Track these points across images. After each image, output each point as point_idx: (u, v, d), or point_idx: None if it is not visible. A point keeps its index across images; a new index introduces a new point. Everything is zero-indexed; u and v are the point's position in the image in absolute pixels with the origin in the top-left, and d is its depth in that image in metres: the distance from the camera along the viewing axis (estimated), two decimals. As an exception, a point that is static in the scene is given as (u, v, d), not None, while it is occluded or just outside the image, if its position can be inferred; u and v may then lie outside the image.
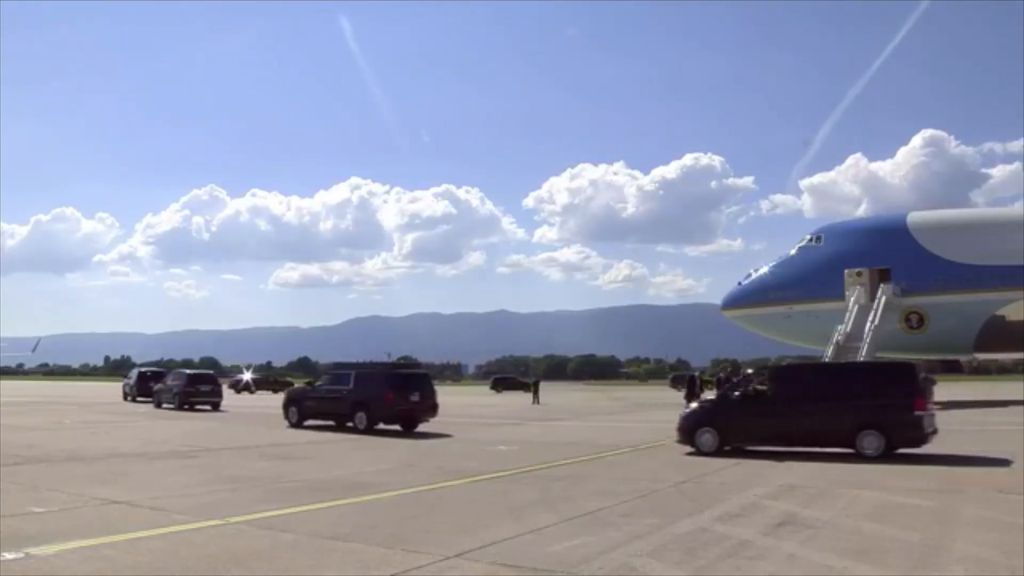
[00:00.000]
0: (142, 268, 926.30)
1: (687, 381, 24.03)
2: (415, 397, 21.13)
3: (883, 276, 35.42)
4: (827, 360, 32.10)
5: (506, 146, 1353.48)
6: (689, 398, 22.97)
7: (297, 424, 22.22)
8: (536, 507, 9.37)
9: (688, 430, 15.46)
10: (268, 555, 6.86)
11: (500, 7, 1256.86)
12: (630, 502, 9.72)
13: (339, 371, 23.08)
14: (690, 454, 14.97)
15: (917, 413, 13.79)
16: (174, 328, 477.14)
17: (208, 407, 31.20)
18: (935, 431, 14.27)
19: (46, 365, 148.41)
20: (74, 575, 6.21)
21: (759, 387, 15.60)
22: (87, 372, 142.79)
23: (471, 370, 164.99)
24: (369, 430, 20.29)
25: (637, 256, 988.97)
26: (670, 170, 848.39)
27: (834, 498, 10.08)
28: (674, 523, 8.28)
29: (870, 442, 13.84)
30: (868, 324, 32.95)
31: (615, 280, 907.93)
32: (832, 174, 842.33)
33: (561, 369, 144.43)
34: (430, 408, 21.45)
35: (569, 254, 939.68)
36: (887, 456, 13.67)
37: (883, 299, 34.18)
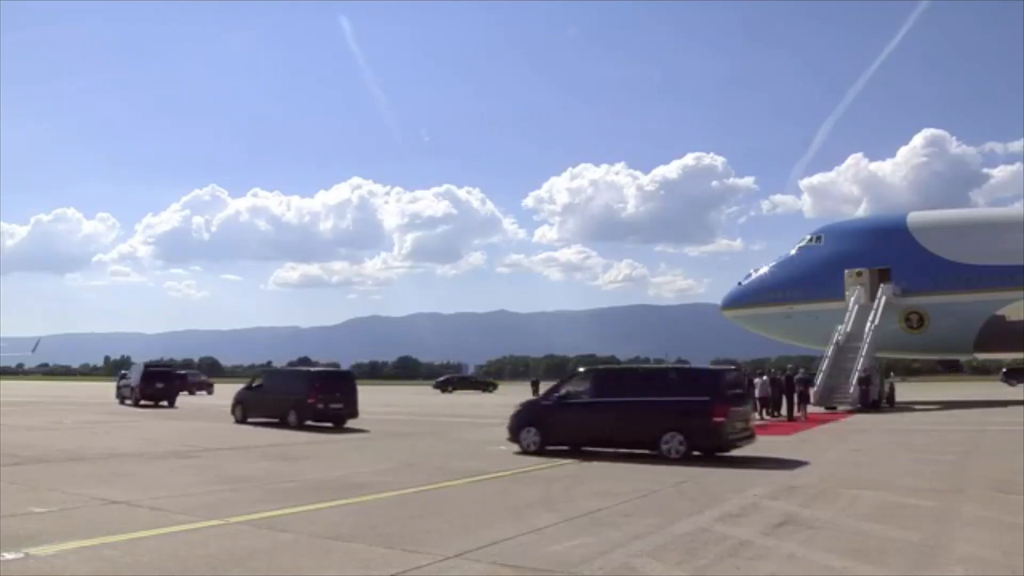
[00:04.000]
0: (142, 268, 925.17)
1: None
2: (160, 384, 34.77)
3: (883, 276, 35.46)
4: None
5: (506, 146, 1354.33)
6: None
7: (121, 401, 35.62)
8: (536, 507, 9.37)
9: (232, 409, 24.41)
10: (268, 555, 6.86)
11: (500, 7, 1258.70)
12: (630, 502, 9.73)
13: (129, 368, 39.56)
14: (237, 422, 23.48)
15: (314, 404, 21.87)
16: (174, 328, 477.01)
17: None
18: (337, 416, 22.20)
19: (46, 365, 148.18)
20: (74, 575, 6.22)
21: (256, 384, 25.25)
22: (87, 372, 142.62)
23: (471, 370, 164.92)
24: (136, 404, 33.61)
25: (637, 256, 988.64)
26: (670, 170, 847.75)
27: (834, 498, 10.09)
28: (674, 523, 8.28)
29: (291, 419, 22.03)
30: (868, 324, 32.98)
31: (615, 280, 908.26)
32: (832, 174, 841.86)
33: (561, 369, 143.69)
34: (173, 392, 35.05)
35: (569, 254, 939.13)
36: (300, 426, 21.51)
37: (883, 299, 34.21)
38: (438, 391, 64.18)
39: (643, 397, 14.63)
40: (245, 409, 23.88)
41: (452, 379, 71.73)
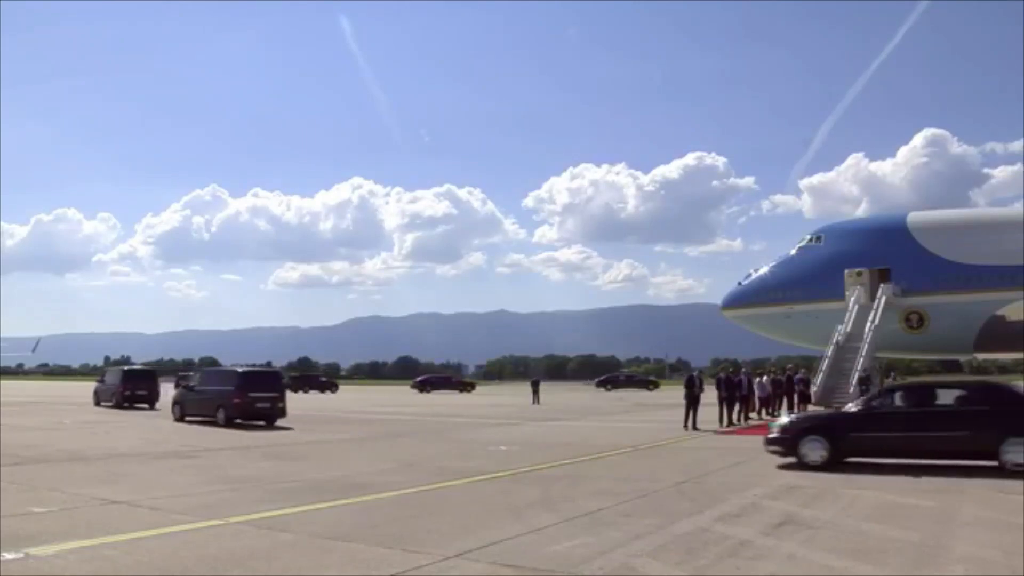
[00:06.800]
0: (142, 268, 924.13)
1: (686, 381, 23.94)
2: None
3: (883, 276, 35.42)
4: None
5: (506, 146, 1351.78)
6: (689, 399, 22.85)
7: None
8: (536, 507, 9.37)
9: (93, 396, 34.42)
10: (268, 555, 6.87)
11: (500, 7, 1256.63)
12: (630, 502, 9.73)
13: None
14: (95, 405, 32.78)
15: (122, 392, 32.03)
16: (174, 328, 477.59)
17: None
18: (142, 400, 32.14)
19: (46, 365, 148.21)
20: (74, 575, 6.22)
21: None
22: (87, 372, 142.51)
23: (471, 370, 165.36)
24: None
25: (637, 256, 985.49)
26: (671, 170, 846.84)
27: (834, 498, 10.09)
28: (674, 523, 8.29)
29: (111, 402, 32.47)
30: (868, 324, 32.92)
31: (615, 280, 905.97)
32: (832, 174, 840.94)
33: (561, 369, 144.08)
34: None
35: (569, 254, 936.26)
36: (120, 407, 31.21)
37: (883, 299, 34.16)
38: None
39: (214, 387, 24.07)
40: (98, 396, 33.77)
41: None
